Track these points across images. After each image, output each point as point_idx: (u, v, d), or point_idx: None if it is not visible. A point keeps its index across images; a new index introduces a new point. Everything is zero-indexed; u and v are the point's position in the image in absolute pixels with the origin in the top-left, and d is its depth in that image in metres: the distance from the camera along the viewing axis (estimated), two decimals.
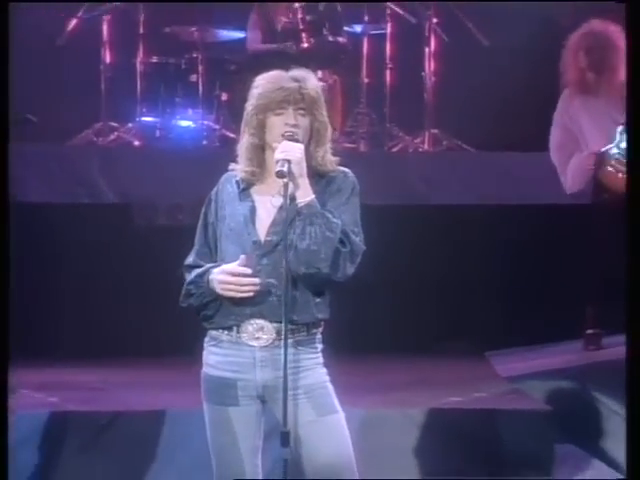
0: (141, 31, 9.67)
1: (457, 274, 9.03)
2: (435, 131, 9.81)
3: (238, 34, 9.93)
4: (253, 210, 4.78)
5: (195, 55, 9.45)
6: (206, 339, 4.81)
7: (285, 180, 4.63)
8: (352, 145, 9.72)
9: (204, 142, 9.21)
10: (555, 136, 8.23)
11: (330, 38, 9.75)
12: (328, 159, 4.82)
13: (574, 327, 8.22)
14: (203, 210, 4.89)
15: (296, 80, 4.77)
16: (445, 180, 9.28)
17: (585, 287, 8.19)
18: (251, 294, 4.66)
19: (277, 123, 4.73)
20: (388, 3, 9.94)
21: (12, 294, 8.20)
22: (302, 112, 4.74)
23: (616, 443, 7.47)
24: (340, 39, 9.81)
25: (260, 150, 4.77)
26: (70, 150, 9.28)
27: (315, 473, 4.75)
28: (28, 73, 9.58)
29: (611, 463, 7.37)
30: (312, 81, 4.82)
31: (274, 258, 4.70)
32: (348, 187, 4.81)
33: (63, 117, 9.53)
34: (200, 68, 9.41)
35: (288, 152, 4.64)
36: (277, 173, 4.58)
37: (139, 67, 9.53)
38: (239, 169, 4.81)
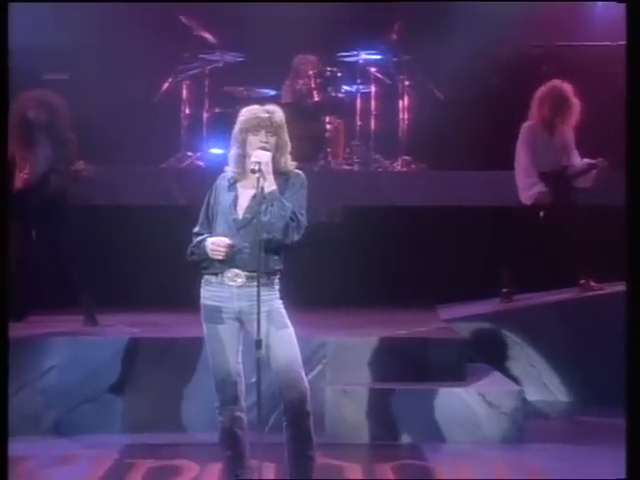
0: (206, 90, 9.57)
1: (412, 249, 8.85)
2: (406, 157, 9.73)
3: (271, 92, 9.78)
4: (236, 198, 4.89)
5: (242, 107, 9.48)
6: (202, 281, 4.91)
7: (257, 175, 4.73)
8: (350, 167, 9.72)
9: None
10: (519, 157, 7.94)
11: (333, 94, 9.67)
12: (288, 164, 4.91)
13: (493, 287, 8.22)
14: (207, 197, 4.99)
15: (267, 112, 4.86)
16: (410, 189, 9.22)
17: (501, 260, 8.18)
18: (227, 256, 4.76)
19: (254, 140, 4.82)
20: (372, 70, 9.75)
21: (122, 266, 8.46)
22: (271, 133, 4.83)
23: (514, 363, 7.80)
24: (340, 95, 9.74)
25: (243, 158, 4.88)
26: (160, 170, 9.37)
27: (276, 366, 4.79)
28: (133, 120, 9.70)
29: (509, 376, 7.50)
30: (278, 113, 4.90)
31: (248, 229, 4.80)
32: (299, 183, 4.90)
33: (156, 148, 9.62)
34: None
35: (260, 157, 4.74)
36: (251, 170, 4.73)
37: (205, 115, 9.49)
38: (229, 170, 4.95)
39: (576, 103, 7.84)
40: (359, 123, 9.83)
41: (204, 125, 9.52)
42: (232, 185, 4.94)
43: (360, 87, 9.82)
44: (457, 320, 7.89)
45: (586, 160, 7.96)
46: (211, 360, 4.93)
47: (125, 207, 8.71)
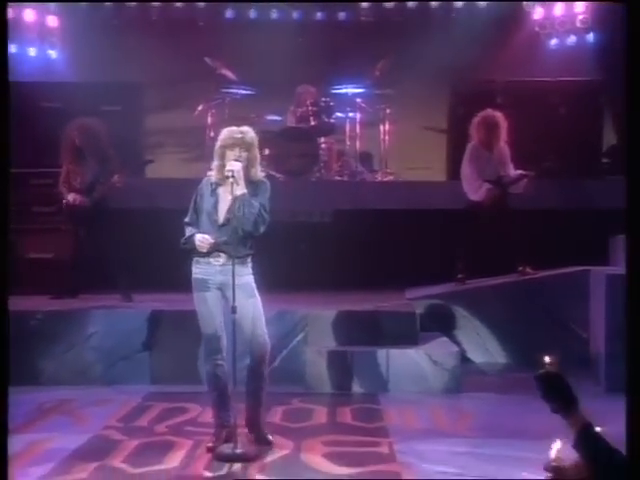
0: (226, 117, 9.57)
1: (388, 243, 8.94)
2: (387, 170, 9.88)
3: (277, 118, 9.90)
4: (217, 201, 5.12)
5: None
6: (193, 261, 5.16)
7: (231, 180, 5.00)
8: (341, 178, 9.79)
9: None
10: (465, 169, 8.09)
11: (326, 120, 9.76)
12: (258, 174, 5.16)
13: (451, 273, 8.22)
14: (194, 195, 5.19)
15: (241, 133, 5.09)
16: (388, 195, 9.32)
17: (457, 252, 8.23)
18: (210, 250, 5.03)
19: (230, 155, 5.06)
20: (359, 101, 9.71)
21: (152, 257, 8.29)
22: (244, 149, 5.07)
23: (463, 332, 7.87)
24: (332, 121, 9.84)
25: (222, 167, 5.08)
26: (185, 181, 8.68)
27: (245, 325, 5.04)
28: (169, 141, 10.24)
29: (458, 343, 7.65)
30: (250, 134, 5.13)
31: (227, 226, 5.08)
32: (265, 188, 5.17)
33: (185, 163, 9.97)
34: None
35: (232, 166, 5.00)
36: (225, 177, 5.01)
37: None
38: (213, 176, 5.17)
39: (504, 126, 7.96)
40: (348, 143, 9.97)
41: None
42: (214, 190, 5.13)
43: (349, 114, 9.93)
44: (420, 298, 8.01)
45: (519, 171, 8.09)
46: (200, 320, 5.14)
47: (157, 210, 8.74)
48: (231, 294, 5.00)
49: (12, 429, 5.46)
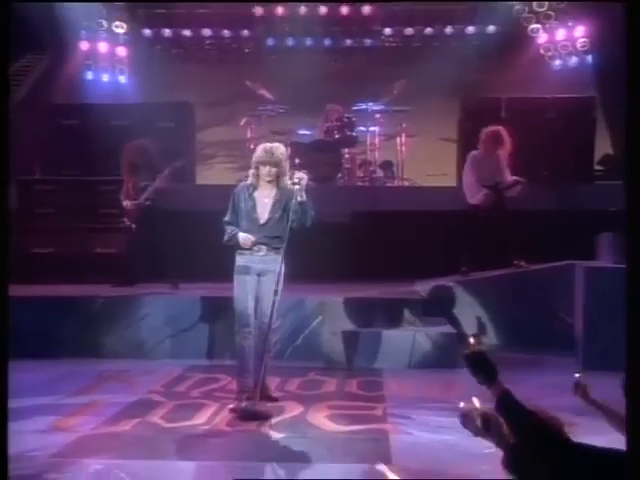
0: (263, 132, 9.88)
1: (401, 240, 9.02)
2: (404, 176, 10.13)
3: (306, 131, 10.18)
4: (254, 205, 5.46)
5: (287, 142, 9.30)
6: (237, 252, 5.50)
7: (297, 187, 5.32)
8: (363, 183, 10.00)
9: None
10: (465, 176, 8.25)
11: (349, 133, 9.93)
12: (287, 182, 5.47)
13: (456, 267, 8.30)
14: (232, 197, 5.48)
15: (272, 153, 5.41)
16: (403, 199, 9.43)
17: (461, 248, 8.28)
18: (252, 246, 5.39)
19: (263, 169, 5.44)
20: (378, 116, 9.96)
21: (196, 251, 8.34)
22: (273, 166, 5.42)
23: (466, 317, 7.91)
24: (354, 134, 9.99)
25: (257, 176, 5.48)
26: (226, 186, 8.73)
27: (261, 304, 5.36)
28: (215, 153, 10.68)
29: (457, 325, 7.69)
30: (280, 150, 5.43)
31: (267, 225, 5.43)
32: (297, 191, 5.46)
33: (230, 171, 10.41)
34: (289, 148, 8.82)
35: (299, 176, 5.34)
36: (292, 183, 5.33)
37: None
38: (249, 182, 5.53)
39: (508, 141, 8.13)
40: (369, 154, 10.19)
41: None
42: (251, 194, 5.48)
43: (369, 128, 10.13)
44: (428, 288, 8.05)
45: (514, 177, 8.23)
46: (235, 299, 5.47)
47: (205, 212, 8.57)
48: (265, 279, 5.40)
49: (78, 391, 6.17)
